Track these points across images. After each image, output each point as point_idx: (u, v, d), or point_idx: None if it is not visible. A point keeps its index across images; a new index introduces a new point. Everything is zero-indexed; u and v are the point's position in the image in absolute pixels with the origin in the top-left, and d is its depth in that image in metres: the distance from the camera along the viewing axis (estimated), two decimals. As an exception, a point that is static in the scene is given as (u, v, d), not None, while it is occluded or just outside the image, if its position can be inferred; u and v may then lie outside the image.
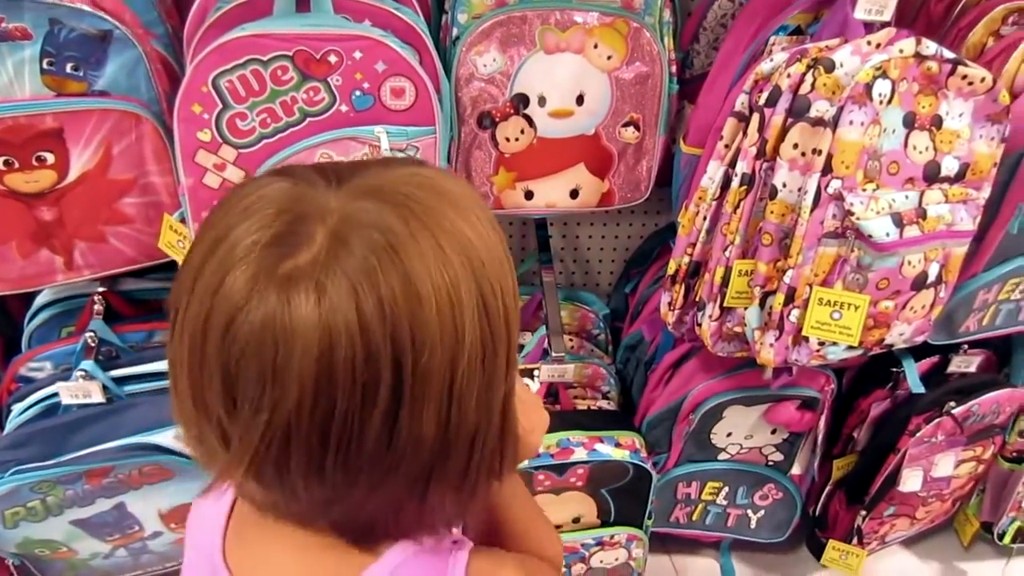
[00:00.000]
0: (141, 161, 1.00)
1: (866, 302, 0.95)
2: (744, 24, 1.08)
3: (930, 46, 0.93)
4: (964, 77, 0.95)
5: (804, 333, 0.97)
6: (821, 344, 0.99)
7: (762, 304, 1.00)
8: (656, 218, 1.42)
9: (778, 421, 1.27)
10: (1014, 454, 1.38)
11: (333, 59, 0.93)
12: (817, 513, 1.40)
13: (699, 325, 1.05)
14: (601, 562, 1.27)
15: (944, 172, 0.98)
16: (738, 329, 1.03)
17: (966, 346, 1.27)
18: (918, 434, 1.23)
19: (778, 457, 1.33)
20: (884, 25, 0.99)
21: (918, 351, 1.25)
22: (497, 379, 0.46)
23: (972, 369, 1.29)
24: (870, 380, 1.30)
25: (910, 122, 0.95)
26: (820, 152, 0.91)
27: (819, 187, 0.92)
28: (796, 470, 1.34)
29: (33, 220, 0.99)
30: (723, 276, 1.01)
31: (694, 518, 1.38)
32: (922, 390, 1.24)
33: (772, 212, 0.96)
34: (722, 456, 1.31)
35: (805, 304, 0.96)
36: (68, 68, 0.93)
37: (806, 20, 1.05)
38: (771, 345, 0.99)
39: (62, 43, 0.91)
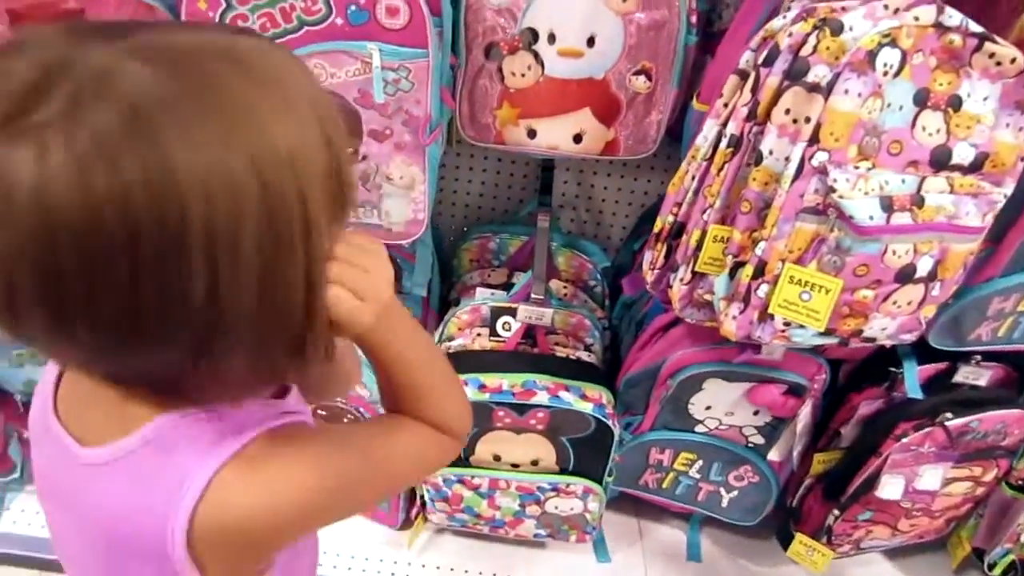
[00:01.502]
0: (153, 50, 1.04)
1: (838, 286, 0.90)
2: (772, -22, 1.01)
3: (954, 16, 0.85)
4: (991, 55, 0.86)
5: (770, 310, 0.93)
6: (787, 324, 0.94)
7: (732, 274, 0.96)
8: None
9: (760, 402, 1.23)
10: (1020, 481, 1.29)
11: (331, -32, 0.93)
12: (793, 504, 1.35)
13: (670, 287, 1.02)
14: (556, 508, 1.27)
15: (956, 159, 0.91)
16: (708, 296, 1.00)
17: (979, 357, 1.19)
18: (904, 440, 1.17)
19: (759, 440, 1.29)
20: (918, -9, 0.91)
21: (924, 354, 1.18)
22: (284, 262, 0.45)
23: (982, 383, 1.21)
24: (867, 376, 1.24)
25: (922, 99, 0.88)
26: (810, 120, 0.86)
27: (803, 157, 0.87)
28: (775, 456, 1.29)
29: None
30: (698, 239, 0.97)
31: (664, 485, 1.36)
32: (919, 395, 1.17)
33: (755, 179, 0.91)
34: (699, 428, 1.28)
35: (775, 280, 0.92)
36: (89, -47, 0.97)
37: (836, -22, 0.98)
38: (734, 317, 0.96)
39: (83, -73, 0.95)
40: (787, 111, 0.88)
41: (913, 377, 1.18)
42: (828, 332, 0.96)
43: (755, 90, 0.90)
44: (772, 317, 0.94)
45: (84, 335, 0.43)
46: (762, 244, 0.91)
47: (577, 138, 1.16)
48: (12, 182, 0.38)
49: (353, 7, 0.95)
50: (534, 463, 1.24)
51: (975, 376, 1.20)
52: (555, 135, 1.15)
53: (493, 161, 1.40)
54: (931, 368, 1.20)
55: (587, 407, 1.15)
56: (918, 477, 1.22)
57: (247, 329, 0.45)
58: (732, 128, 0.92)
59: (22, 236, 0.39)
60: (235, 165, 0.41)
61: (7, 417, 1.28)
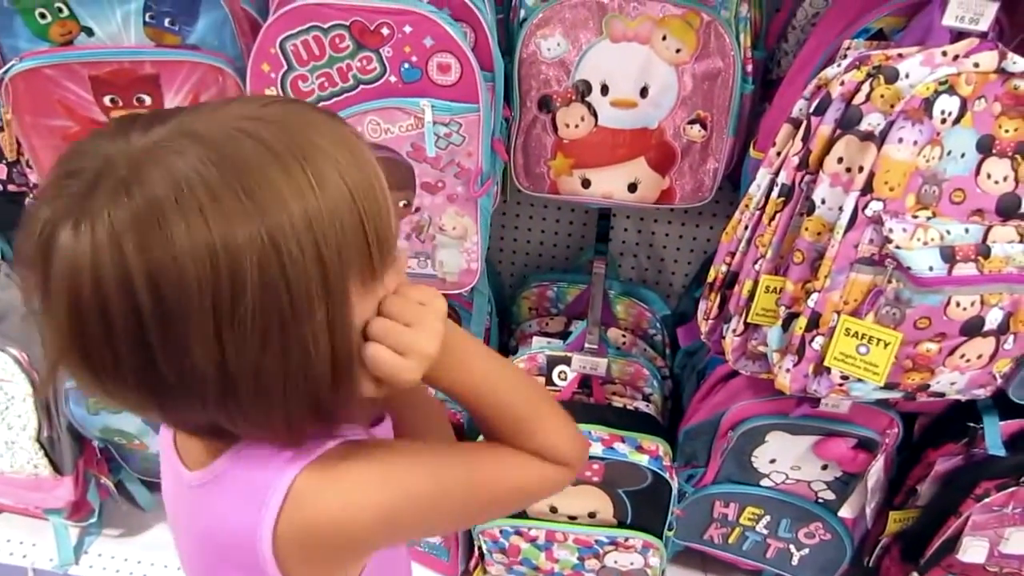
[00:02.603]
0: (223, 111, 1.10)
1: (898, 340, 0.86)
2: (829, 24, 1.00)
3: (1018, 62, 0.81)
4: (1061, 101, 0.82)
5: (826, 364, 0.90)
6: (844, 378, 0.91)
7: (786, 326, 0.93)
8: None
9: (828, 457, 1.18)
10: (1122, 547, 1.19)
11: (385, 31, 0.97)
12: (870, 564, 1.28)
13: (723, 338, 1.00)
14: (616, 563, 1.24)
15: (1026, 208, 0.87)
16: (762, 348, 0.97)
17: (1068, 413, 1.11)
18: (985, 500, 1.10)
19: (829, 495, 1.24)
20: (981, 36, 0.88)
21: (1008, 409, 1.11)
22: (298, 326, 0.47)
23: (1074, 440, 1.12)
24: (944, 431, 1.17)
25: (986, 146, 0.85)
26: (863, 169, 0.83)
27: (856, 207, 0.84)
28: (847, 513, 1.23)
29: (132, 155, 1.13)
30: (750, 290, 0.95)
31: (730, 541, 1.32)
32: (1001, 452, 1.10)
33: (807, 229, 0.89)
34: (765, 482, 1.24)
35: (831, 332, 0.89)
36: (166, 22, 1.04)
37: (894, 24, 0.95)
38: (788, 370, 0.93)
39: (161, -1, 1.02)
40: (840, 160, 0.86)
41: (995, 433, 1.11)
42: (890, 386, 0.92)
43: (806, 139, 0.88)
44: (828, 370, 0.91)
45: (115, 390, 0.48)
46: (815, 295, 0.88)
47: (632, 187, 1.16)
48: (56, 255, 0.45)
49: (406, 65, 0.99)
50: (591, 515, 1.22)
51: (1065, 433, 1.12)
52: (609, 184, 1.16)
53: (553, 209, 1.41)
54: (1014, 424, 1.13)
55: (643, 459, 1.13)
56: (1004, 540, 1.14)
57: (265, 389, 0.48)
58: (783, 177, 0.91)
59: (61, 302, 0.45)
60: (242, 238, 0.44)
61: (86, 463, 1.35)
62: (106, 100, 1.05)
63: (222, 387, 0.47)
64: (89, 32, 1.02)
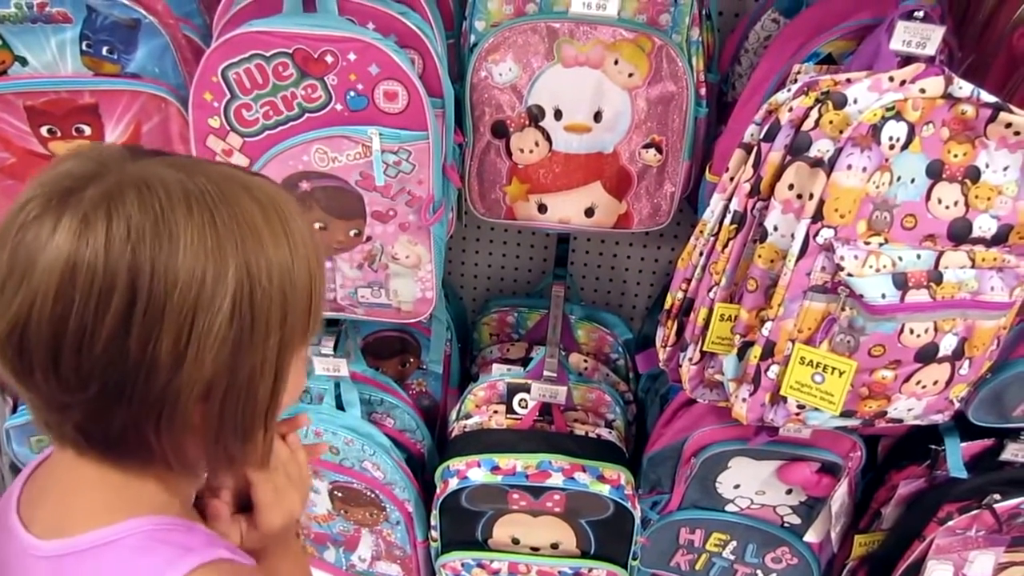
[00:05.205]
0: (168, 140, 1.07)
1: (852, 368, 0.85)
2: (779, 48, 0.99)
3: (964, 87, 0.81)
4: (1008, 125, 0.82)
5: (782, 392, 0.88)
6: (801, 407, 0.89)
7: (741, 354, 0.92)
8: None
9: (792, 481, 1.16)
10: (1086, 566, 1.18)
11: (329, 59, 0.95)
12: (838, 588, 1.27)
13: (680, 366, 0.99)
14: (580, 594, 1.22)
15: (977, 232, 0.86)
16: (719, 376, 0.96)
17: (1029, 433, 1.10)
18: (949, 523, 1.09)
19: (795, 519, 1.22)
20: (928, 61, 0.87)
21: (968, 431, 1.11)
22: (247, 349, 0.52)
23: (1035, 460, 1.12)
24: (907, 453, 1.16)
25: (936, 172, 0.84)
26: (813, 196, 0.82)
27: (807, 234, 0.83)
28: (813, 537, 1.22)
29: (74, 186, 1.09)
30: (705, 318, 0.93)
31: (697, 567, 1.30)
32: (963, 474, 1.09)
33: (760, 256, 0.88)
34: (730, 507, 1.23)
35: (786, 361, 0.87)
36: (104, 51, 1.01)
37: (844, 48, 0.95)
38: (744, 400, 0.91)
39: (98, 28, 0.99)
40: (791, 186, 0.85)
41: (956, 455, 1.10)
42: (847, 414, 0.90)
43: (757, 165, 0.87)
44: (785, 399, 0.89)
45: (70, 373, 0.49)
46: (769, 324, 0.87)
47: (589, 212, 1.14)
48: (52, 245, 0.48)
49: (352, 93, 0.97)
50: (554, 547, 1.19)
51: (1025, 454, 1.12)
52: (566, 209, 1.14)
53: (513, 234, 1.40)
54: (976, 445, 1.12)
55: (604, 489, 1.11)
56: (968, 563, 1.13)
57: (198, 391, 0.51)
58: (736, 204, 0.89)
59: (50, 284, 0.47)
60: (230, 264, 0.50)
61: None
62: (43, 131, 1.02)
63: (170, 385, 0.50)
64: (23, 62, 0.98)
